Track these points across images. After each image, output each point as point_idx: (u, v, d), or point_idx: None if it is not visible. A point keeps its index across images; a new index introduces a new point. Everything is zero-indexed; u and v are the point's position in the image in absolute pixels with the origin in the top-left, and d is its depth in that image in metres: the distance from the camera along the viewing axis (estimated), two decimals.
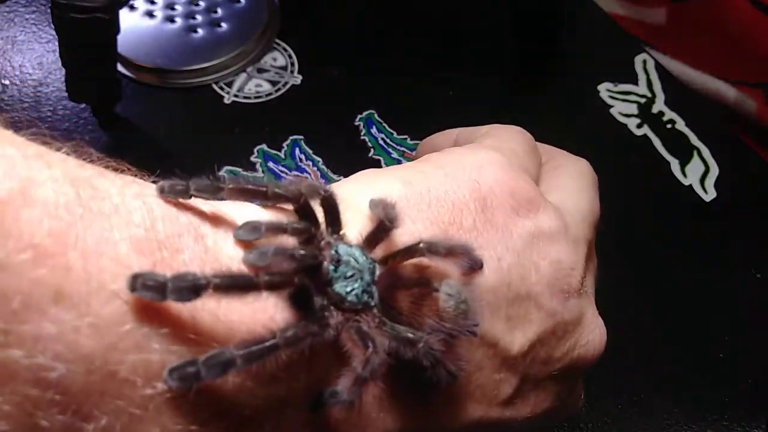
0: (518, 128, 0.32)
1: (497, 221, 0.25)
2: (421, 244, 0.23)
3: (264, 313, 0.20)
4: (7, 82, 0.50)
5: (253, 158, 0.48)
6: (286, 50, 0.52)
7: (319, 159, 0.48)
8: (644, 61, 0.54)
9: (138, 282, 0.17)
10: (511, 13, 0.54)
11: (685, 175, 0.50)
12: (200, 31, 0.51)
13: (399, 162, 0.48)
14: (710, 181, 0.50)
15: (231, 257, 0.20)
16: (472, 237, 0.25)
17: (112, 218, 0.18)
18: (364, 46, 0.54)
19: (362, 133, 0.50)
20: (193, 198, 0.21)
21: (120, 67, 0.49)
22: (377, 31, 0.55)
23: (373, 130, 0.50)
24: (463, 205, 0.25)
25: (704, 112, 0.53)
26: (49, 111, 0.49)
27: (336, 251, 0.22)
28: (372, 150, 0.49)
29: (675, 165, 0.50)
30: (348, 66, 0.52)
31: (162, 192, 0.20)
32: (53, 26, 0.42)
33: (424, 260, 0.23)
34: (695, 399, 0.42)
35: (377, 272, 0.22)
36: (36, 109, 0.49)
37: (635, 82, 0.53)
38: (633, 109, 0.52)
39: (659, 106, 0.52)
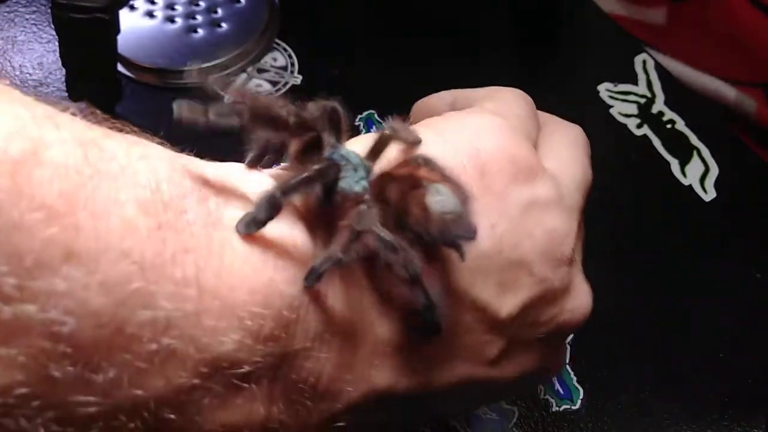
0: (519, 91, 0.32)
1: (495, 188, 0.26)
2: (418, 158, 0.24)
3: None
4: (7, 82, 0.50)
5: None
6: (286, 50, 0.53)
7: None
8: (644, 61, 0.54)
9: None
10: (511, 13, 0.55)
11: (684, 175, 0.50)
12: (200, 32, 0.51)
13: None
14: (710, 181, 0.50)
15: (233, 218, 0.21)
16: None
17: (119, 179, 0.19)
18: (364, 46, 0.54)
19: (362, 133, 0.50)
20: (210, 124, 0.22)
21: (120, 67, 0.49)
22: (377, 31, 0.55)
23: (373, 130, 0.50)
24: (461, 172, 0.25)
25: (704, 113, 0.53)
26: None
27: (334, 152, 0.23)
28: None
29: (675, 165, 0.50)
30: (348, 66, 0.52)
31: (180, 114, 0.21)
32: (53, 26, 0.42)
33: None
34: (695, 398, 0.42)
35: (372, 173, 0.23)
36: None
37: (635, 82, 0.53)
38: (633, 109, 0.52)
39: (659, 106, 0.52)
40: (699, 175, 0.50)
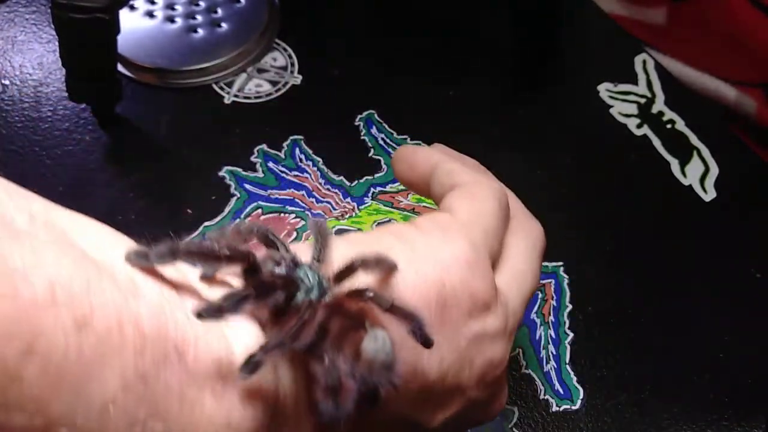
0: (497, 189, 0.33)
1: (451, 321, 0.27)
2: (367, 291, 0.24)
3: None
4: (7, 82, 0.50)
5: (253, 158, 0.48)
6: (286, 50, 0.53)
7: (319, 159, 0.48)
8: (644, 61, 0.54)
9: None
10: (510, 12, 0.54)
11: (684, 175, 0.50)
12: (200, 31, 0.51)
13: None
14: (710, 181, 0.50)
15: (208, 375, 0.21)
16: None
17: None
18: (364, 46, 0.54)
19: (362, 133, 0.50)
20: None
21: (120, 67, 0.49)
22: (377, 31, 0.55)
23: (373, 130, 0.50)
24: (426, 304, 0.26)
25: (704, 112, 0.53)
26: (49, 111, 0.49)
27: (292, 266, 0.24)
28: (372, 150, 0.49)
29: (675, 165, 0.50)
30: (348, 66, 0.52)
31: (129, 259, 0.21)
32: (53, 26, 0.42)
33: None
34: (695, 399, 0.42)
35: (326, 297, 0.24)
36: (36, 109, 0.49)
37: (635, 82, 0.53)
38: (633, 109, 0.52)
39: (659, 106, 0.52)
40: (699, 175, 0.50)
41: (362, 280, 0.25)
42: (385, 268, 0.26)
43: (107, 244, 0.21)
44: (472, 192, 0.32)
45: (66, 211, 0.21)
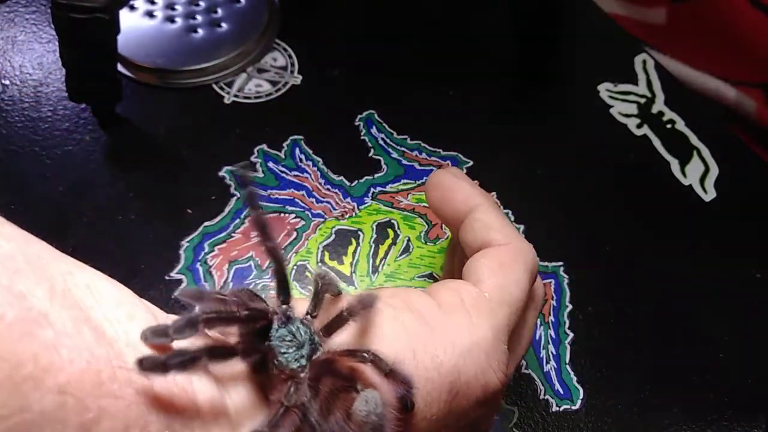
0: (528, 258, 0.31)
1: (457, 410, 0.27)
2: (367, 354, 0.24)
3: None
4: (7, 82, 0.50)
5: (253, 158, 0.48)
6: (286, 50, 0.53)
7: (319, 159, 0.48)
8: (644, 61, 0.54)
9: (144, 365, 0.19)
10: (510, 12, 0.55)
11: (684, 175, 0.50)
12: (200, 32, 0.51)
13: (399, 162, 0.48)
14: (710, 181, 0.50)
15: None
16: (429, 421, 0.26)
17: None
18: (364, 46, 0.54)
19: (362, 133, 0.50)
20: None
21: (120, 67, 0.49)
22: (377, 32, 0.55)
23: (373, 130, 0.50)
24: (437, 395, 0.26)
25: (704, 112, 0.53)
26: (49, 111, 0.49)
27: (284, 322, 0.24)
28: (372, 150, 0.49)
29: (675, 165, 0.50)
30: (348, 66, 0.52)
31: (146, 340, 0.21)
32: (53, 26, 0.42)
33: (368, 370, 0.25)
34: (695, 399, 0.42)
35: (318, 352, 0.24)
36: (36, 109, 0.49)
37: (635, 82, 0.53)
38: (633, 109, 0.52)
39: (659, 106, 0.52)
40: (699, 175, 0.50)
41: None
42: (370, 310, 0.25)
43: (124, 316, 0.21)
44: (503, 261, 0.30)
45: (85, 273, 0.21)
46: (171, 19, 0.52)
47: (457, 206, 0.33)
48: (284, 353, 0.24)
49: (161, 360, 0.19)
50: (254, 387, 0.23)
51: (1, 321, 0.17)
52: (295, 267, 0.44)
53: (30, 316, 0.17)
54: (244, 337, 0.23)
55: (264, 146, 0.48)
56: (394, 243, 0.46)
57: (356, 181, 0.48)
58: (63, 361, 0.17)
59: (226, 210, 0.46)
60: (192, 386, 0.21)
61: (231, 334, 0.24)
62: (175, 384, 0.20)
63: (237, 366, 0.23)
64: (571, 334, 0.44)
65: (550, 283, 0.45)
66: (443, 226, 0.46)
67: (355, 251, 0.45)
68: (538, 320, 0.44)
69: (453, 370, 0.26)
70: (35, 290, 0.18)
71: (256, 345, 0.23)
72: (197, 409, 0.21)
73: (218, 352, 0.21)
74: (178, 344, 0.21)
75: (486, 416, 0.29)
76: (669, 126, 0.52)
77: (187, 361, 0.20)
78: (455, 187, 0.34)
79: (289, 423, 0.22)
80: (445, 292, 0.29)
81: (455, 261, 0.40)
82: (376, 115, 0.50)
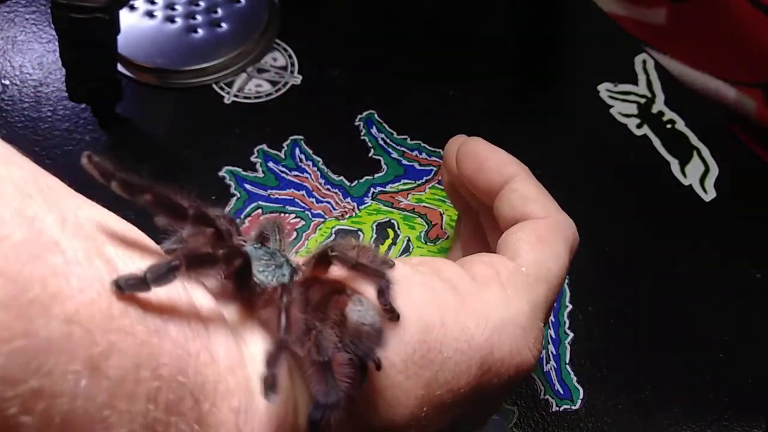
0: (569, 232, 0.30)
1: (485, 388, 0.25)
2: (332, 251, 0.23)
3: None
4: (7, 82, 0.50)
5: (253, 158, 0.48)
6: (286, 50, 0.52)
7: (319, 159, 0.48)
8: (644, 61, 0.54)
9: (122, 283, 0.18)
10: (510, 12, 0.54)
11: (684, 175, 0.50)
12: (200, 31, 0.51)
13: (399, 162, 0.48)
14: (710, 182, 0.50)
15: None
16: (455, 393, 0.24)
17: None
18: (365, 46, 0.54)
19: (362, 133, 0.50)
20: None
21: (120, 67, 0.49)
22: (377, 32, 0.55)
23: (373, 130, 0.50)
24: (466, 368, 0.24)
25: (704, 112, 0.53)
26: (49, 111, 0.49)
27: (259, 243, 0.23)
28: (372, 150, 0.49)
29: (675, 165, 0.50)
30: (348, 66, 0.52)
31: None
32: (53, 26, 0.42)
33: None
34: (695, 399, 0.42)
35: (298, 276, 0.23)
36: (36, 109, 0.49)
37: (635, 82, 0.53)
38: (633, 109, 0.52)
39: (659, 106, 0.52)
40: (699, 175, 0.50)
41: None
42: (371, 259, 0.23)
43: (136, 253, 0.20)
44: (542, 235, 0.29)
45: (95, 209, 0.20)
46: (171, 19, 0.52)
47: (492, 176, 0.32)
48: (263, 271, 0.22)
49: (140, 277, 0.18)
50: (238, 302, 0.22)
51: (7, 240, 0.16)
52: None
53: (40, 240, 0.16)
54: (220, 246, 0.22)
55: (264, 146, 0.48)
56: (394, 243, 0.46)
57: (356, 181, 0.48)
58: (73, 289, 0.16)
59: (226, 210, 0.46)
60: (192, 300, 0.20)
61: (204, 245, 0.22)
62: (179, 295, 0.20)
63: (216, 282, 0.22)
64: (571, 334, 0.44)
65: None
66: (443, 226, 0.46)
67: None
68: None
69: (485, 344, 0.25)
70: (46, 217, 0.17)
71: (235, 253, 0.21)
72: (201, 319, 0.20)
73: (198, 258, 0.20)
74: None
75: (511, 392, 0.28)
76: (669, 126, 0.52)
77: (167, 272, 0.19)
78: (490, 156, 0.32)
79: (297, 326, 0.21)
80: (479, 266, 0.27)
81: (461, 242, 0.39)
82: (376, 115, 0.50)
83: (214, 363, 0.19)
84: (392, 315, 0.23)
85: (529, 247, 0.29)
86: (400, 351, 0.23)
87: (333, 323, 0.22)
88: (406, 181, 0.48)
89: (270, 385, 0.19)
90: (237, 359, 0.20)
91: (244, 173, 0.47)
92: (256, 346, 0.21)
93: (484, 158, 0.33)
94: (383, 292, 0.23)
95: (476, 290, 0.26)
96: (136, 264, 0.19)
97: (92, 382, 0.16)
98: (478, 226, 0.37)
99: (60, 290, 0.16)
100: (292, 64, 0.52)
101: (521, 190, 0.31)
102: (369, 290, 0.23)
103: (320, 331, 0.21)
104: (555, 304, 0.44)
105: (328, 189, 0.47)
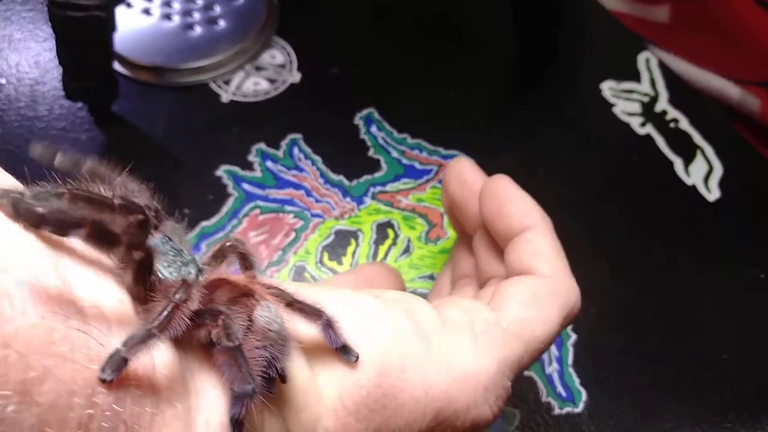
0: (569, 304, 0.28)
1: None
2: (228, 243, 0.23)
3: None
4: (3, 80, 0.49)
5: (251, 157, 0.47)
6: (284, 48, 0.52)
7: (318, 158, 0.48)
8: (647, 60, 0.54)
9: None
10: (512, 11, 0.54)
11: (688, 174, 0.49)
12: (198, 29, 0.51)
13: (398, 161, 0.48)
14: (714, 181, 0.49)
15: None
16: None
17: None
18: (364, 44, 0.53)
19: (362, 132, 0.49)
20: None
21: (117, 66, 0.49)
22: (377, 30, 0.54)
23: (373, 129, 0.49)
24: (420, 416, 0.24)
25: (708, 111, 0.52)
26: (45, 110, 0.48)
27: (167, 237, 0.22)
28: (372, 149, 0.48)
29: (678, 164, 0.50)
30: (348, 64, 0.52)
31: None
32: (50, 24, 0.42)
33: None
34: (698, 400, 0.42)
35: (204, 276, 0.22)
36: (32, 107, 0.48)
37: (638, 81, 0.53)
38: (636, 107, 0.52)
39: (662, 104, 0.52)
40: (703, 174, 0.49)
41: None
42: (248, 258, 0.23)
43: (94, 276, 0.19)
44: (539, 295, 0.28)
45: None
46: (168, 17, 0.51)
47: (512, 222, 0.31)
48: (167, 267, 0.21)
49: (37, 210, 0.17)
50: (125, 291, 0.20)
51: None
52: (293, 268, 0.44)
53: None
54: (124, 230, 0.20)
55: (262, 145, 0.48)
56: (394, 243, 0.45)
57: (356, 181, 0.47)
58: (14, 311, 0.16)
59: (224, 210, 0.45)
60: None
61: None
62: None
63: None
64: (574, 336, 0.43)
65: None
66: (444, 226, 0.46)
67: (354, 252, 0.45)
68: None
69: (443, 396, 0.24)
70: None
71: (140, 243, 0.20)
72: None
73: (101, 232, 0.18)
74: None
75: None
76: (672, 125, 0.51)
77: (67, 223, 0.18)
78: (514, 200, 0.31)
79: (180, 320, 0.19)
80: (455, 310, 0.26)
81: (452, 272, 0.38)
82: (376, 114, 0.50)
83: (155, 394, 0.18)
84: (349, 356, 0.23)
85: (519, 303, 0.27)
86: (353, 393, 0.23)
87: (241, 318, 0.21)
88: (406, 180, 0.47)
89: (113, 368, 0.17)
90: (180, 393, 0.19)
91: (241, 172, 0.47)
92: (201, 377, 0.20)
93: (507, 201, 0.32)
94: (328, 333, 0.22)
95: (444, 337, 0.25)
96: (94, 289, 0.18)
97: (21, 408, 0.15)
98: (471, 252, 0.36)
99: (1, 312, 0.16)
100: (291, 62, 0.51)
101: (534, 243, 0.30)
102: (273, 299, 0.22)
103: (228, 315, 0.20)
104: None
105: (327, 188, 0.47)
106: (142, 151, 0.47)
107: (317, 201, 0.46)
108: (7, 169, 0.49)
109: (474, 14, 0.55)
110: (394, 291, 0.27)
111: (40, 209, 0.17)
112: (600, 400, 0.41)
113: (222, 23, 0.51)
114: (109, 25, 0.43)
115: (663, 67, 0.53)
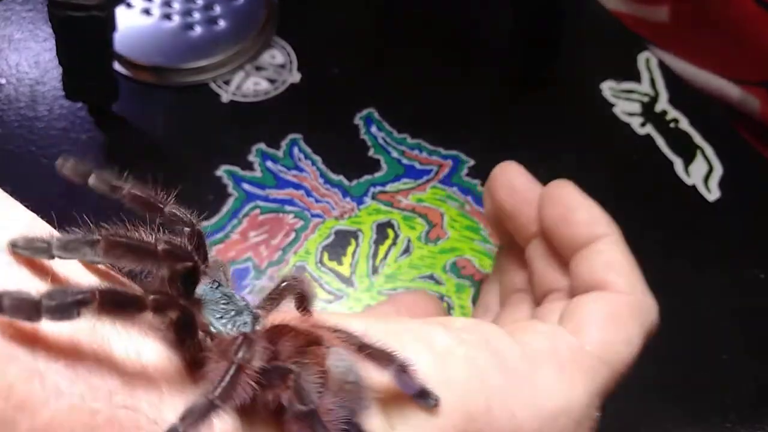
0: (648, 316, 0.26)
1: None
2: (285, 282, 0.20)
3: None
4: (3, 80, 0.49)
5: (251, 157, 0.47)
6: (284, 48, 0.52)
7: (318, 158, 0.48)
8: (647, 60, 0.54)
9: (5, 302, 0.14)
10: (512, 10, 0.54)
11: (688, 174, 0.49)
12: (198, 29, 0.51)
13: (399, 161, 0.48)
14: (714, 181, 0.49)
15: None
16: None
17: None
18: (364, 44, 0.53)
19: (362, 132, 0.49)
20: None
21: (117, 66, 0.49)
22: (377, 29, 0.54)
23: (373, 129, 0.49)
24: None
25: (708, 111, 0.52)
26: (45, 110, 0.48)
27: (216, 283, 0.19)
28: (372, 149, 0.48)
29: (678, 164, 0.50)
30: (348, 64, 0.52)
31: (15, 247, 0.15)
32: (50, 24, 0.42)
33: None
34: (698, 401, 0.42)
35: (260, 324, 0.20)
36: (32, 108, 0.48)
37: (638, 81, 0.53)
38: (636, 107, 0.52)
39: (663, 104, 0.52)
40: (703, 174, 0.49)
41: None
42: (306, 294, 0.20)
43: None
44: (618, 314, 0.26)
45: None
46: (168, 17, 0.51)
47: (580, 231, 0.29)
48: (219, 318, 0.19)
49: (31, 300, 0.14)
50: (173, 350, 0.17)
51: None
52: (293, 268, 0.44)
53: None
54: (158, 284, 0.18)
55: (262, 145, 0.48)
56: (394, 243, 0.45)
57: (356, 181, 0.47)
58: (47, 392, 0.14)
59: (224, 210, 0.45)
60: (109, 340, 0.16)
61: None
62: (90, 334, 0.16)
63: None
64: None
65: None
66: (443, 226, 0.46)
67: (354, 252, 0.45)
68: None
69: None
70: None
71: (176, 296, 0.17)
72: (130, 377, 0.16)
73: (118, 299, 0.16)
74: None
75: None
76: (673, 125, 0.51)
77: (69, 306, 0.15)
78: (582, 208, 0.29)
79: (245, 384, 0.17)
80: (533, 336, 0.24)
81: (501, 286, 0.35)
82: (375, 114, 0.50)
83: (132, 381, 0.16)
84: (428, 401, 0.20)
85: (599, 324, 0.25)
86: None
87: (313, 372, 0.18)
88: (406, 180, 0.47)
89: None
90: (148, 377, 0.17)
91: (242, 173, 0.47)
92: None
93: (574, 208, 0.30)
94: (403, 378, 0.20)
95: (528, 369, 0.23)
96: (138, 345, 0.16)
97: None
98: (522, 263, 0.33)
99: (30, 396, 0.14)
100: (291, 62, 0.51)
101: (607, 254, 0.28)
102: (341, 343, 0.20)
103: (298, 374, 0.17)
104: None
105: (327, 188, 0.47)
106: (141, 151, 0.47)
107: (317, 201, 0.46)
108: (6, 170, 0.49)
109: (475, 12, 0.55)
110: (460, 318, 0.25)
111: (35, 298, 0.14)
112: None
113: (222, 23, 0.51)
114: (109, 25, 0.43)
115: (663, 67, 0.53)
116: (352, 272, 0.44)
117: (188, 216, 0.20)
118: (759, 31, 0.48)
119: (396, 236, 0.45)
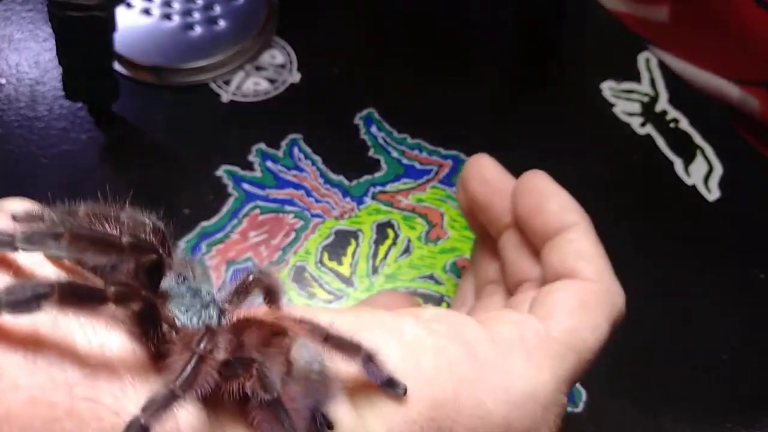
0: (617, 305, 0.27)
1: None
2: (252, 276, 0.20)
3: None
4: (3, 80, 0.49)
5: (251, 157, 0.47)
6: (285, 48, 0.52)
7: (318, 158, 0.48)
8: (647, 59, 0.54)
9: None
10: (511, 10, 0.54)
11: (688, 174, 0.49)
12: (198, 29, 0.51)
13: (399, 161, 0.48)
14: (714, 181, 0.49)
15: None
16: None
17: None
18: (364, 44, 0.53)
19: (362, 132, 0.49)
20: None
21: (117, 66, 0.49)
22: (377, 29, 0.54)
23: (373, 129, 0.49)
24: None
25: (708, 111, 0.52)
26: (45, 110, 0.48)
27: (182, 277, 0.19)
28: (372, 149, 0.48)
29: (678, 164, 0.50)
30: (348, 64, 0.52)
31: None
32: (50, 24, 0.42)
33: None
34: (698, 401, 0.42)
35: (225, 318, 0.20)
36: (32, 108, 0.48)
37: (638, 81, 0.53)
38: (636, 107, 0.52)
39: (663, 104, 0.52)
40: (703, 174, 0.49)
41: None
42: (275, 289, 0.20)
43: None
44: (586, 301, 0.26)
45: None
46: (168, 17, 0.51)
47: (551, 220, 0.29)
48: (185, 312, 0.19)
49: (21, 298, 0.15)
50: (138, 342, 0.17)
51: None
52: (293, 268, 0.44)
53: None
54: (123, 278, 0.18)
55: (262, 145, 0.48)
56: (394, 243, 0.45)
57: (356, 181, 0.47)
58: (3, 384, 0.14)
59: (224, 210, 0.45)
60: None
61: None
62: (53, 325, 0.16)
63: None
64: None
65: None
66: (443, 226, 0.46)
67: (354, 252, 0.45)
68: None
69: (502, 422, 0.22)
70: None
71: (138, 287, 0.17)
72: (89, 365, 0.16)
73: (78, 291, 0.16)
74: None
75: None
76: (673, 125, 0.51)
77: (28, 300, 0.15)
78: (553, 197, 0.30)
79: (207, 375, 0.17)
80: (503, 325, 0.24)
81: (475, 278, 0.36)
82: (375, 114, 0.50)
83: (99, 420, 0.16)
84: (396, 389, 0.21)
85: (567, 311, 0.26)
86: (404, 430, 0.21)
87: (278, 362, 0.18)
88: (406, 180, 0.47)
89: None
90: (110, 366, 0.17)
91: (241, 172, 0.47)
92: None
93: (546, 198, 0.30)
94: (370, 367, 0.20)
95: (497, 357, 0.23)
96: (101, 335, 0.16)
97: None
98: (496, 254, 0.34)
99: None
100: (291, 62, 0.51)
101: (577, 243, 0.28)
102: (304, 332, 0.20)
103: (261, 363, 0.17)
104: None
105: (327, 188, 0.47)
106: (142, 152, 0.47)
107: (317, 201, 0.46)
108: (6, 170, 0.49)
109: (475, 12, 0.55)
110: (432, 308, 0.25)
111: None
112: (600, 400, 0.41)
113: (222, 23, 0.51)
114: (109, 25, 0.43)
115: (663, 67, 0.53)
116: (352, 272, 0.44)
117: (149, 216, 0.20)
118: (759, 31, 0.48)
119: (396, 236, 0.45)
